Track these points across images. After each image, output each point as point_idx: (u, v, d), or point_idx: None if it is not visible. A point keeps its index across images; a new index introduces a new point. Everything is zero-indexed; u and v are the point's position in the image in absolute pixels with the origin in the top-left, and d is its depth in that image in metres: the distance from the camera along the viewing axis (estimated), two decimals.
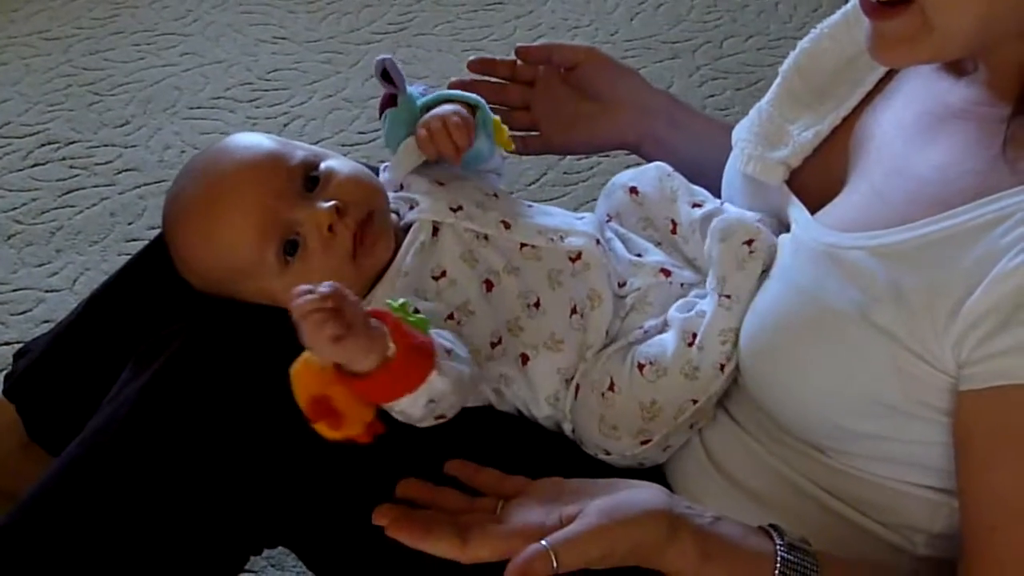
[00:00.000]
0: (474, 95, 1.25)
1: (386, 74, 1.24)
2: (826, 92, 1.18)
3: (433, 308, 1.12)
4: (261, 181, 1.15)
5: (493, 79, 1.42)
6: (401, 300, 1.00)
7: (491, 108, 1.26)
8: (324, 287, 0.92)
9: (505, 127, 1.26)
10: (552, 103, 1.37)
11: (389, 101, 1.26)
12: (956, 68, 1.08)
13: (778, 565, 0.95)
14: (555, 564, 0.91)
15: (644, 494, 0.96)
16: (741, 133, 1.23)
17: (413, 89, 1.28)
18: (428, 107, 1.24)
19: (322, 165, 1.18)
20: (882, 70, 1.15)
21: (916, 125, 1.07)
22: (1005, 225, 0.93)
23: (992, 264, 0.92)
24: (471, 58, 1.41)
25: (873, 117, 1.13)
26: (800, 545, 0.97)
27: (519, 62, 1.41)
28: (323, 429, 0.97)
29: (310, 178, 1.16)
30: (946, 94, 1.06)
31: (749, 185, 1.21)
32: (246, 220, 1.14)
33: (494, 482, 1.00)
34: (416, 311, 1.02)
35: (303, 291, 0.92)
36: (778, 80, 1.23)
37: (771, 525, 0.98)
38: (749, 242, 1.12)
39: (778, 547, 0.96)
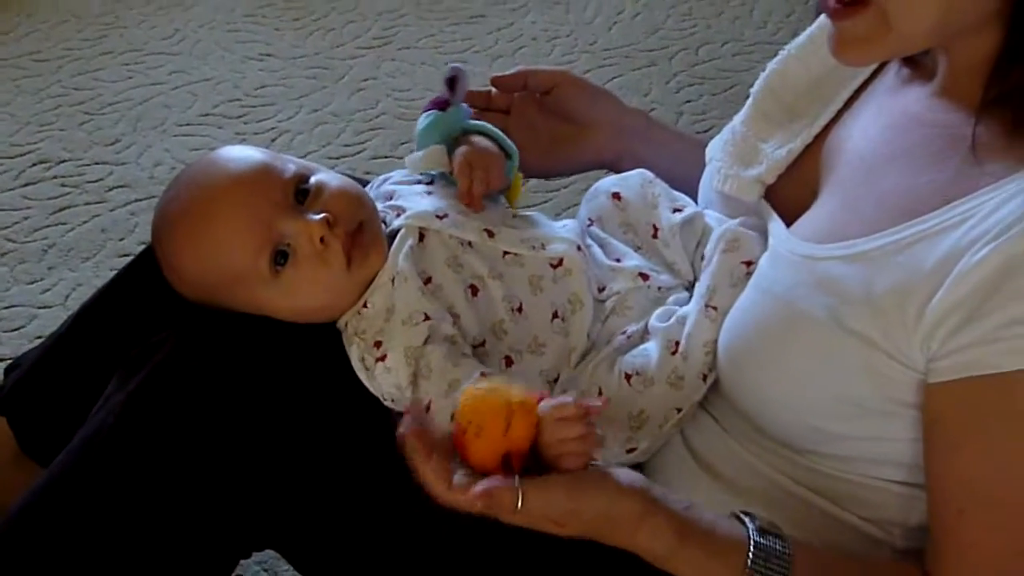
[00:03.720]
0: (512, 144, 1.26)
1: (452, 81, 1.25)
2: (797, 111, 1.19)
3: (435, 308, 1.13)
4: (254, 192, 1.15)
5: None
6: None
7: None
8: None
9: (524, 185, 1.27)
10: (530, 129, 1.37)
11: (440, 104, 1.26)
12: (918, 77, 1.08)
13: (751, 549, 0.95)
14: (520, 503, 0.91)
15: (623, 473, 0.96)
16: (715, 151, 1.24)
17: (463, 106, 1.29)
18: (467, 130, 1.25)
19: (312, 179, 1.18)
20: (850, 88, 1.16)
21: (883, 137, 1.08)
22: (967, 224, 0.93)
23: (955, 262, 0.92)
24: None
25: (843, 133, 1.14)
26: (772, 530, 0.97)
27: (493, 90, 1.40)
28: (467, 442, 0.95)
29: (301, 191, 1.16)
30: (910, 105, 1.07)
31: (723, 200, 1.21)
32: (239, 230, 1.14)
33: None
34: None
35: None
36: (750, 101, 1.23)
37: (743, 511, 0.98)
38: (748, 263, 1.13)
39: (751, 531, 0.96)
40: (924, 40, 1.00)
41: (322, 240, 1.13)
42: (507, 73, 1.40)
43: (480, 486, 0.91)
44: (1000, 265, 0.90)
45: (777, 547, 0.96)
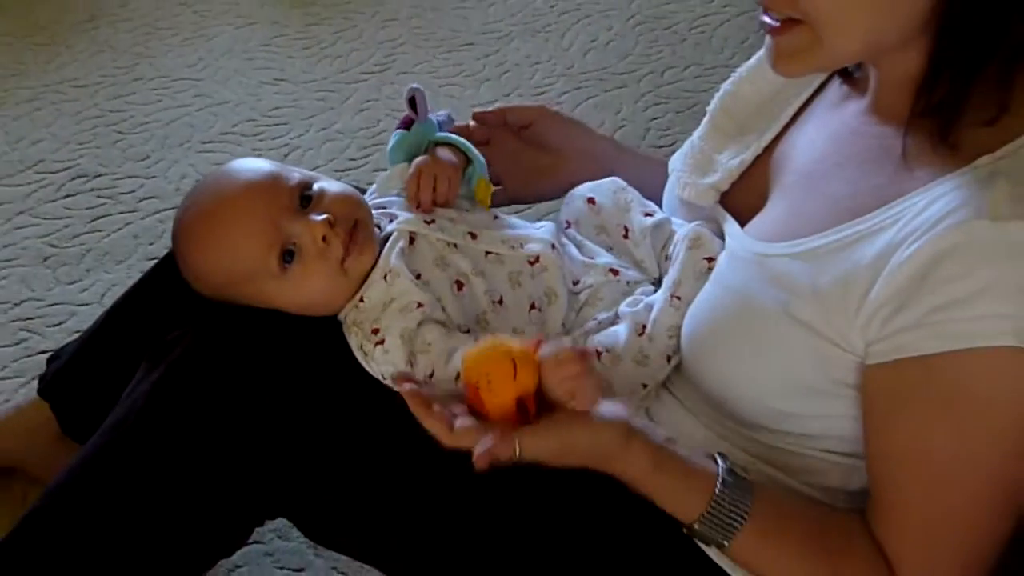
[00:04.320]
0: (477, 153, 1.24)
1: (413, 102, 1.24)
2: (748, 126, 1.19)
3: (427, 298, 1.13)
4: (264, 198, 1.15)
5: None
6: None
7: None
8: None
9: (490, 187, 1.24)
10: (510, 159, 1.36)
11: (406, 123, 1.25)
12: (854, 93, 1.08)
13: (719, 481, 0.97)
14: (518, 451, 0.93)
15: (607, 407, 0.98)
16: (676, 163, 1.25)
17: (434, 116, 1.27)
18: (438, 142, 1.24)
19: (315, 186, 1.18)
20: (795, 105, 1.16)
21: (825, 148, 1.08)
22: (899, 223, 0.93)
23: (889, 257, 0.92)
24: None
25: (789, 144, 1.14)
26: (740, 472, 1.00)
27: (472, 124, 1.38)
28: (483, 396, 0.97)
29: (305, 196, 1.16)
30: (848, 119, 1.07)
31: (684, 206, 1.22)
32: (251, 232, 1.14)
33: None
34: None
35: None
36: (706, 118, 1.23)
37: (718, 452, 1.01)
38: (709, 259, 1.13)
39: (721, 468, 0.99)
40: (854, 55, 1.00)
41: (324, 239, 1.13)
42: (488, 110, 1.38)
43: (478, 449, 0.93)
44: (926, 259, 0.90)
45: (743, 483, 0.98)
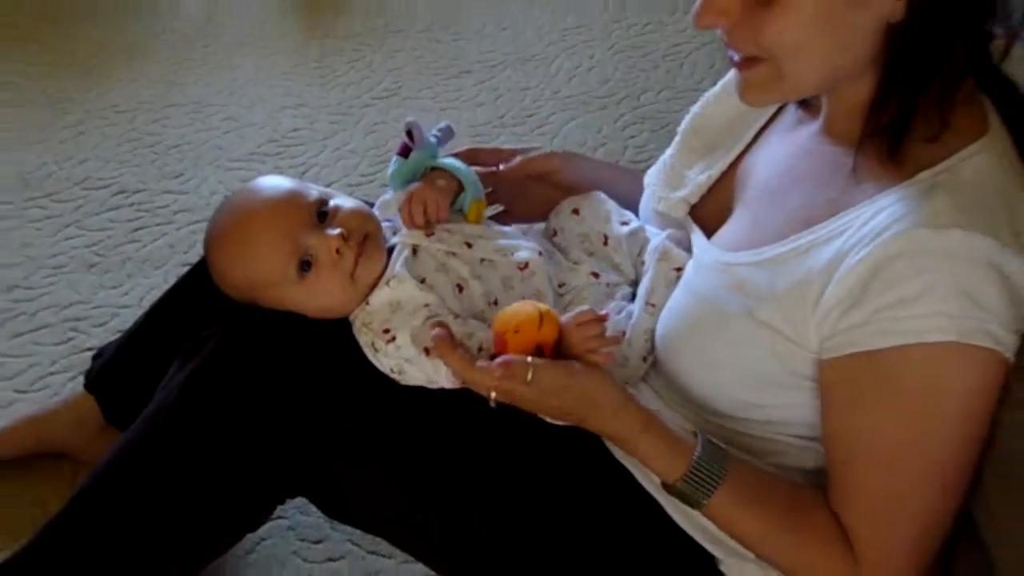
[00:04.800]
0: (472, 174, 1.22)
1: (409, 133, 1.23)
2: (715, 145, 1.18)
3: (432, 298, 1.12)
4: (285, 214, 1.15)
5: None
6: None
7: None
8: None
9: (483, 207, 1.23)
10: (518, 192, 1.31)
11: (403, 151, 1.24)
12: (808, 117, 1.08)
13: (699, 447, 0.98)
14: (531, 376, 0.96)
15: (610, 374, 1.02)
16: (651, 178, 1.24)
17: (434, 131, 1.26)
18: (435, 168, 1.22)
19: (331, 202, 1.18)
20: (756, 127, 1.16)
21: (783, 166, 1.07)
22: (848, 232, 0.93)
23: (840, 263, 0.92)
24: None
25: (751, 162, 1.14)
26: (717, 444, 1.01)
27: (485, 148, 1.34)
28: (508, 340, 1.01)
29: (321, 212, 1.16)
30: (803, 140, 1.07)
31: (658, 217, 1.21)
32: (273, 244, 1.13)
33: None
34: None
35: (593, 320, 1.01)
36: (677, 138, 1.23)
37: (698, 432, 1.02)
38: (678, 269, 1.13)
39: (701, 439, 1.00)
40: (814, 87, 1.00)
41: (338, 251, 1.12)
42: (512, 165, 1.31)
43: (499, 360, 0.96)
44: (874, 264, 0.90)
45: (720, 451, 0.99)
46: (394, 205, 1.22)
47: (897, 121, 0.94)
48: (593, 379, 0.99)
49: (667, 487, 1.00)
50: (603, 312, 1.04)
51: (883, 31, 0.91)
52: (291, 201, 1.16)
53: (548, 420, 1.03)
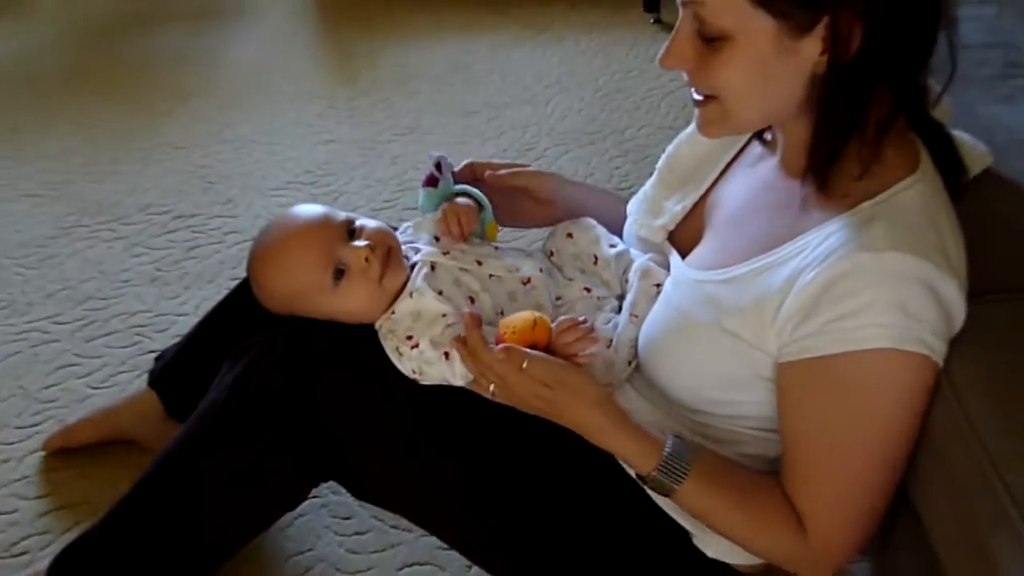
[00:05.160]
0: (487, 201, 1.24)
1: (438, 165, 1.24)
2: (688, 179, 1.18)
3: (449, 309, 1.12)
4: (320, 232, 1.15)
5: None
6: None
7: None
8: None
9: (496, 226, 1.25)
10: (507, 201, 1.31)
11: (430, 181, 1.24)
12: (768, 153, 1.07)
13: (669, 442, 0.98)
14: (526, 364, 0.97)
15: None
16: (633, 208, 1.23)
17: (444, 163, 1.26)
18: (455, 193, 1.24)
19: (357, 222, 1.18)
20: (723, 163, 1.15)
21: (746, 197, 1.07)
22: (802, 255, 0.93)
23: (795, 281, 0.92)
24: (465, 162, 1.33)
25: (719, 194, 1.13)
26: (685, 439, 1.00)
27: (487, 174, 1.33)
28: (506, 339, 1.02)
29: (350, 230, 1.17)
30: (762, 174, 1.07)
31: (641, 241, 1.21)
32: (312, 257, 1.14)
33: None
34: None
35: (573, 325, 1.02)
36: (655, 173, 1.23)
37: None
38: (657, 285, 1.13)
39: (668, 437, 1.00)
40: (755, 124, 1.00)
41: (366, 260, 1.12)
42: (498, 174, 1.31)
43: (501, 346, 0.98)
44: (823, 283, 0.89)
45: (687, 444, 0.98)
46: (431, 222, 1.22)
47: (826, 159, 0.94)
48: (579, 375, 0.99)
49: (641, 478, 0.99)
50: (581, 318, 1.03)
51: (811, 81, 0.91)
52: (325, 222, 1.16)
53: (530, 412, 1.03)
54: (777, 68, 0.90)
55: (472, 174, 1.29)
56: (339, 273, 1.13)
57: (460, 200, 1.23)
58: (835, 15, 0.86)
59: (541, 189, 1.31)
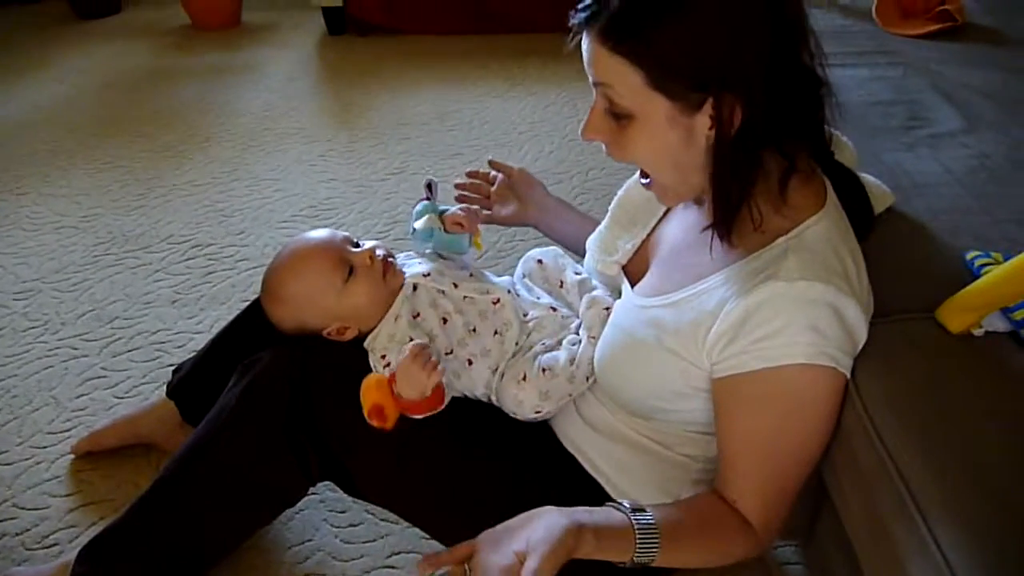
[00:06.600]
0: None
1: (429, 187, 1.28)
2: (636, 219, 1.19)
3: (415, 334, 1.13)
4: (330, 244, 1.18)
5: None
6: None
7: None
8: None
9: (480, 234, 1.27)
10: (527, 190, 1.38)
11: (423, 199, 1.29)
12: (699, 201, 1.08)
13: (635, 526, 0.91)
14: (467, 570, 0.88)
15: (553, 518, 0.89)
16: (591, 244, 1.24)
17: (436, 186, 1.30)
18: (443, 212, 1.27)
19: (356, 239, 1.21)
20: (664, 207, 1.16)
21: (682, 235, 1.08)
22: (728, 284, 0.94)
23: (723, 307, 0.93)
24: (467, 170, 1.44)
25: (662, 232, 1.14)
26: (637, 505, 0.93)
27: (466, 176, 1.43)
28: (372, 421, 1.02)
29: (355, 243, 1.19)
30: (695, 217, 1.07)
31: (598, 273, 1.22)
32: (326, 262, 1.16)
33: (450, 556, 0.90)
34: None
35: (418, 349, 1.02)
36: (609, 214, 1.24)
37: (617, 501, 0.95)
38: (607, 309, 1.14)
39: (630, 515, 0.92)
40: (686, 191, 0.99)
41: (371, 259, 1.15)
42: (492, 161, 1.44)
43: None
44: (744, 309, 0.91)
45: (648, 518, 0.92)
46: (428, 223, 1.25)
47: (724, 217, 0.93)
48: (563, 545, 0.86)
49: (624, 566, 0.92)
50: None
51: (709, 152, 0.90)
52: (333, 237, 1.19)
53: None
54: (677, 142, 0.90)
55: (507, 172, 1.39)
56: (349, 272, 1.16)
57: (453, 209, 1.27)
58: (718, 96, 0.85)
59: (521, 187, 1.40)
